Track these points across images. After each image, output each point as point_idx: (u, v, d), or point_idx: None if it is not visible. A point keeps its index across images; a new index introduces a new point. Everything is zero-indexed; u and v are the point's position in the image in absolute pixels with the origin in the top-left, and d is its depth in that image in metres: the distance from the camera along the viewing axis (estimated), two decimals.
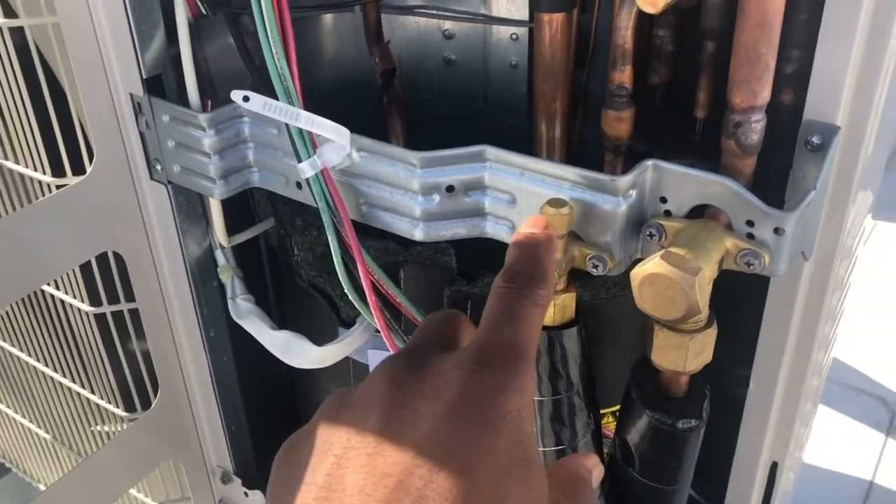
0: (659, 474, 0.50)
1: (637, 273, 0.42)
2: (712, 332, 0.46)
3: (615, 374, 0.56)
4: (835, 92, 0.44)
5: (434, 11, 0.71)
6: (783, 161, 0.48)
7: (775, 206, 0.44)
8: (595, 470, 0.35)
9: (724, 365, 0.52)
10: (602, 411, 0.60)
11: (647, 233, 0.45)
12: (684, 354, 0.46)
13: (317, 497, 0.27)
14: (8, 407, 0.94)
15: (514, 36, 0.73)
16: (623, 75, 0.48)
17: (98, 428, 0.81)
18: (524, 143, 0.59)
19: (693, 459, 0.50)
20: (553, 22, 0.51)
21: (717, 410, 0.52)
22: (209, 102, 0.58)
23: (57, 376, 0.79)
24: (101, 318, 0.69)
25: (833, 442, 1.45)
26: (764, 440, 0.59)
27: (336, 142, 0.50)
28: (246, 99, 0.47)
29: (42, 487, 1.01)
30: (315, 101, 0.51)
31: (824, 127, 0.45)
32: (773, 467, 0.61)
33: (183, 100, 0.57)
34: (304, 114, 0.47)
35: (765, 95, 0.44)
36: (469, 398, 0.29)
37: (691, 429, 0.48)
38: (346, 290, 0.53)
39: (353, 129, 0.50)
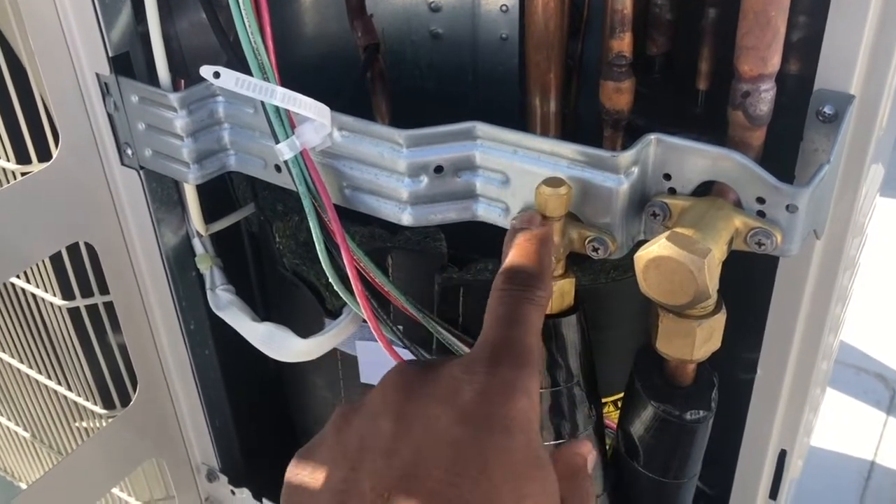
0: (665, 467, 0.47)
1: (641, 256, 0.39)
2: (721, 318, 0.43)
3: (617, 360, 0.53)
4: (849, 58, 0.42)
5: None
6: (792, 133, 0.45)
7: (785, 182, 0.42)
8: (589, 456, 0.35)
9: (731, 349, 0.49)
10: (604, 400, 0.57)
11: (651, 212, 0.42)
12: (692, 342, 0.43)
13: (332, 502, 0.28)
14: None
15: (503, 7, 0.69)
16: (622, 43, 0.44)
17: (77, 425, 0.78)
18: (517, 119, 0.56)
19: (701, 452, 0.47)
20: None
21: (724, 396, 0.49)
22: (182, 82, 0.55)
23: (32, 373, 0.76)
24: (74, 312, 0.66)
25: (833, 421, 1.43)
26: (772, 427, 0.57)
27: (316, 121, 0.46)
28: (217, 75, 0.43)
29: (24, 486, 0.98)
30: (295, 79, 0.48)
31: (837, 96, 0.42)
32: (782, 455, 0.59)
33: (153, 79, 0.53)
34: (281, 90, 0.44)
35: (775, 62, 0.41)
36: (480, 401, 0.30)
37: (699, 420, 0.45)
38: (330, 280, 0.50)
39: (335, 108, 0.47)
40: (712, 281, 0.39)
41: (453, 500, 0.27)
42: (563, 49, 0.50)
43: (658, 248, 0.38)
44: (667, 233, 0.39)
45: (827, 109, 0.43)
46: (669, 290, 0.39)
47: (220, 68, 0.43)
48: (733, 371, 0.57)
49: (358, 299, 0.49)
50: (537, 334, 0.34)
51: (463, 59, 0.72)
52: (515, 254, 0.37)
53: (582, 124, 0.62)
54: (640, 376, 0.46)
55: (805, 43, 0.49)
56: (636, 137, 0.53)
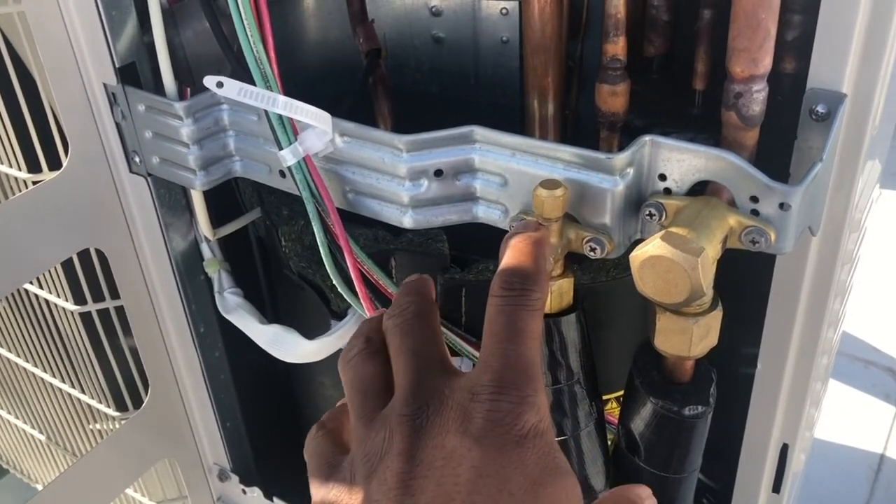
0: (665, 462, 0.48)
1: (636, 256, 0.40)
2: (717, 315, 0.44)
3: (617, 357, 0.54)
4: (840, 57, 0.42)
5: None
6: (786, 132, 0.46)
7: (780, 180, 0.42)
8: (648, 501, 0.36)
9: (731, 344, 0.50)
10: (606, 397, 0.58)
11: (647, 212, 0.43)
12: (689, 339, 0.44)
13: None
14: (1, 409, 0.93)
15: (504, 10, 0.70)
16: (616, 47, 0.45)
17: (91, 427, 0.79)
18: (517, 121, 0.57)
19: (701, 446, 0.48)
20: None
21: (725, 391, 0.50)
22: (188, 90, 0.56)
23: (46, 377, 0.78)
24: (86, 317, 0.67)
25: (842, 415, 1.43)
26: (773, 422, 0.57)
27: (318, 127, 0.47)
28: (220, 85, 0.44)
29: (40, 488, 0.99)
30: (298, 86, 0.49)
31: (829, 95, 0.43)
32: (784, 449, 0.59)
33: (159, 88, 0.55)
34: (282, 98, 0.45)
35: (766, 63, 0.42)
36: (493, 427, 0.31)
37: (698, 415, 0.46)
38: (334, 282, 0.51)
39: (338, 114, 0.48)
40: (706, 279, 0.40)
41: None
42: (560, 53, 0.51)
43: (652, 247, 0.39)
44: (661, 232, 0.40)
45: (820, 108, 0.43)
46: (665, 289, 0.40)
47: (223, 78, 0.44)
48: (734, 366, 0.57)
49: (362, 301, 0.50)
50: (536, 342, 0.34)
51: (464, 63, 0.73)
52: (510, 256, 0.37)
53: (582, 125, 0.63)
54: (640, 373, 0.47)
55: (799, 41, 0.50)
56: (634, 137, 0.54)
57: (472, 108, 0.74)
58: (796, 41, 0.51)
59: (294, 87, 0.49)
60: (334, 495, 0.32)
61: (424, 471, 0.30)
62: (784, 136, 0.46)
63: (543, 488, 0.30)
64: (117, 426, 0.73)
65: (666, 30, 0.59)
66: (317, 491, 0.34)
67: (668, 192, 0.43)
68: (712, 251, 0.40)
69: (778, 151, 0.47)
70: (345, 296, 0.51)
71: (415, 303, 0.38)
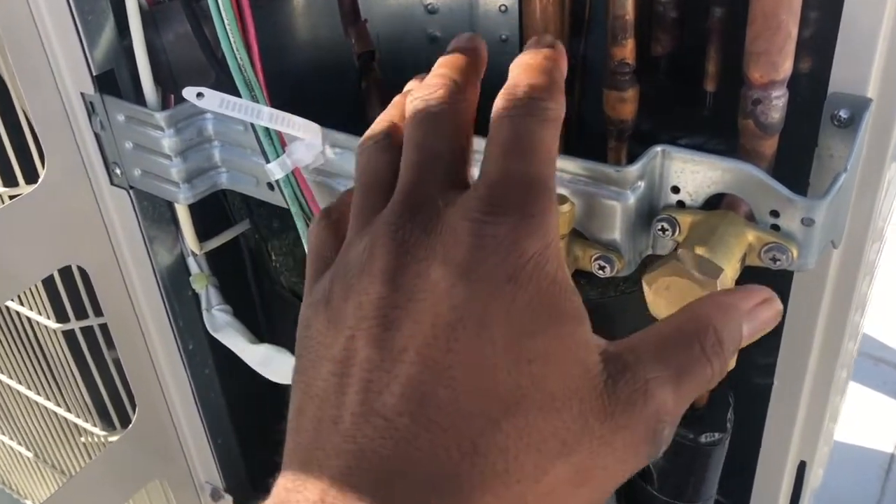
0: (680, 491, 0.46)
1: (650, 278, 0.37)
2: None
3: None
4: (864, 59, 0.39)
5: None
6: (803, 137, 0.43)
7: (798, 188, 0.40)
8: (751, 311, 0.29)
9: (746, 356, 0.47)
10: None
11: (659, 227, 0.40)
12: None
13: (333, 371, 0.25)
14: None
15: (502, 7, 0.67)
16: (625, 50, 0.42)
17: (79, 445, 0.76)
18: None
19: (717, 473, 0.45)
20: None
21: (741, 405, 0.47)
22: (172, 97, 0.53)
23: (32, 395, 0.75)
24: (69, 335, 0.65)
25: (850, 414, 1.40)
26: (791, 438, 0.55)
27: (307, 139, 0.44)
28: (200, 96, 0.42)
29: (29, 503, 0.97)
30: (290, 89, 0.46)
31: (853, 100, 0.40)
32: (802, 466, 0.57)
33: (140, 96, 0.52)
34: (267, 110, 0.42)
35: (786, 68, 0.39)
36: (482, 254, 0.25)
37: (715, 442, 0.43)
38: None
39: (333, 118, 0.45)
40: None
41: (452, 366, 0.24)
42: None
43: (667, 269, 0.36)
44: (676, 252, 0.37)
45: (842, 114, 0.41)
46: None
47: (203, 89, 0.41)
48: (750, 379, 0.55)
49: (306, 266, 0.48)
50: (550, 157, 0.28)
51: None
52: (515, 73, 0.30)
53: (587, 129, 0.60)
54: None
55: (816, 39, 0.47)
56: (641, 142, 0.51)
57: None
58: (813, 39, 0.48)
59: (283, 90, 0.46)
60: (311, 312, 0.28)
61: (404, 301, 0.25)
62: (801, 141, 0.43)
63: (531, 338, 0.25)
64: (105, 445, 0.71)
65: (674, 28, 0.56)
66: (304, 296, 0.30)
67: (681, 205, 0.41)
68: (731, 271, 0.37)
69: (795, 157, 0.44)
70: None
71: (445, 86, 0.31)
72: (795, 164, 0.44)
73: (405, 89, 0.36)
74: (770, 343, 0.51)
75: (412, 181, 0.29)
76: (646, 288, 0.37)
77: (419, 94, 0.31)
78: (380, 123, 0.33)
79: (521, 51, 0.49)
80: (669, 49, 0.57)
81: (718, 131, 0.53)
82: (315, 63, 0.68)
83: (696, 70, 0.54)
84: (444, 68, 0.32)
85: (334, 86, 0.66)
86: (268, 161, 0.45)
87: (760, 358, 0.53)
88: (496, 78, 0.71)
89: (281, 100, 0.47)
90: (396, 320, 0.25)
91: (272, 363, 0.54)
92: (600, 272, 0.41)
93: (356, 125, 0.46)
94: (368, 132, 0.33)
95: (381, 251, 0.26)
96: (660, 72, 0.57)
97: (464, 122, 0.30)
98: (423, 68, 0.72)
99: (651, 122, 0.52)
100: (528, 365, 0.24)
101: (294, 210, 0.46)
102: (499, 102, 0.29)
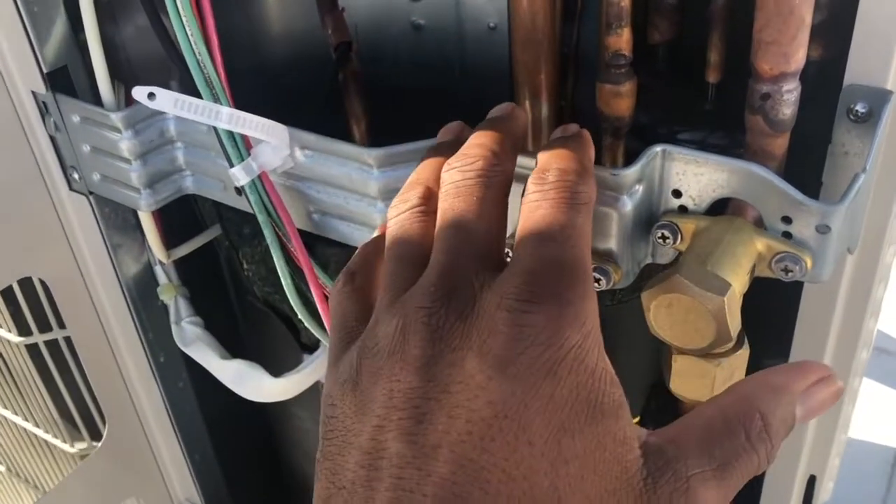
0: None
1: (649, 294, 0.34)
2: (744, 354, 0.37)
3: (628, 393, 0.47)
4: (885, 48, 0.36)
5: None
6: (814, 130, 0.39)
7: (809, 188, 0.36)
8: (805, 392, 0.27)
9: (754, 365, 0.44)
10: None
11: (659, 235, 0.37)
12: (710, 383, 0.37)
13: (361, 463, 0.24)
14: None
15: None
16: (620, 40, 0.38)
17: (51, 459, 0.73)
18: None
19: None
20: None
21: None
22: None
23: None
24: (33, 349, 0.61)
25: (855, 408, 1.36)
26: (801, 452, 0.52)
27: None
28: (152, 97, 0.38)
29: None
30: (265, 81, 0.42)
31: (871, 92, 0.37)
32: (811, 480, 0.53)
33: (97, 95, 0.48)
34: (226, 110, 0.38)
35: (799, 58, 0.35)
36: (520, 346, 0.24)
37: None
38: (300, 315, 0.44)
39: (309, 111, 0.42)
40: (734, 321, 0.33)
41: (487, 468, 0.23)
42: (554, 46, 0.44)
43: (668, 286, 0.33)
44: (678, 264, 0.34)
45: (860, 108, 0.37)
46: (684, 333, 0.34)
47: (155, 88, 0.38)
48: None
49: (329, 335, 0.44)
50: (586, 241, 0.28)
51: (448, 52, 0.66)
52: (547, 156, 0.30)
53: (581, 122, 0.56)
54: (653, 419, 0.41)
55: (827, 24, 0.43)
56: (638, 137, 0.47)
57: (457, 102, 0.67)
58: (823, 24, 0.44)
59: (257, 81, 0.42)
60: (338, 392, 0.27)
61: (437, 393, 0.24)
62: (811, 135, 0.40)
63: (570, 438, 0.23)
64: (76, 461, 0.67)
65: (673, 14, 0.52)
66: (328, 371, 0.28)
67: (683, 210, 0.37)
68: (739, 286, 0.34)
69: (803, 152, 0.40)
70: (312, 330, 0.45)
71: (483, 157, 0.30)
72: (804, 161, 0.40)
73: (437, 141, 0.35)
74: (780, 351, 0.47)
75: (447, 262, 0.27)
76: (645, 305, 0.34)
77: (456, 164, 0.30)
78: (412, 187, 0.31)
79: (510, 40, 0.45)
80: (668, 37, 0.53)
81: (722, 125, 0.49)
82: (291, 54, 0.64)
83: (698, 59, 0.50)
84: (482, 137, 0.31)
85: (311, 77, 0.62)
86: (231, 165, 0.41)
87: (769, 363, 0.50)
88: (484, 68, 0.67)
89: (254, 93, 0.43)
90: (429, 413, 0.24)
91: (245, 380, 0.50)
92: (596, 284, 0.37)
93: (334, 118, 0.42)
94: (401, 195, 0.32)
95: (414, 337, 0.25)
96: (658, 61, 0.54)
97: (500, 197, 0.30)
98: (405, 59, 0.69)
99: (649, 114, 0.48)
100: (566, 466, 0.23)
101: (262, 219, 0.42)
102: (530, 187, 0.29)
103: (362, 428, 0.25)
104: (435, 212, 0.30)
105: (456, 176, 0.30)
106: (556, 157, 0.30)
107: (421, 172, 0.32)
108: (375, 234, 0.35)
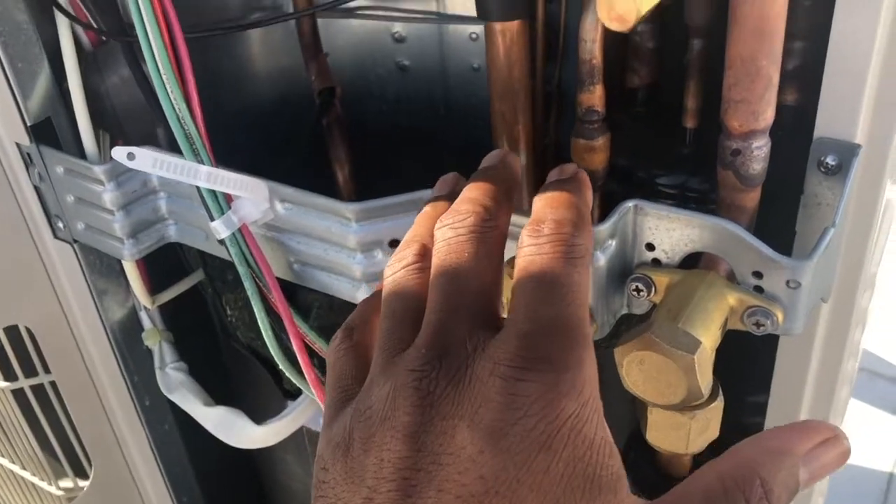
0: None
1: (621, 350, 0.34)
2: (718, 406, 0.38)
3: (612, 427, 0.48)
4: (852, 103, 0.36)
5: (379, 13, 0.62)
6: (788, 175, 0.40)
7: (783, 238, 0.36)
8: (809, 453, 0.25)
9: (733, 411, 0.44)
10: None
11: (634, 287, 0.37)
12: (685, 434, 0.38)
13: None
14: None
15: (473, 35, 0.64)
16: (593, 97, 0.39)
17: (39, 501, 0.73)
18: None
19: None
20: (507, 32, 0.43)
21: (734, 439, 0.44)
22: (119, 143, 0.49)
23: None
24: (19, 394, 0.61)
25: (847, 431, 1.36)
26: None
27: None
28: (131, 157, 0.38)
29: None
30: (249, 125, 0.43)
31: (841, 145, 0.37)
32: None
33: (81, 145, 0.48)
34: (205, 169, 0.39)
35: (768, 116, 0.36)
36: (512, 416, 0.23)
37: None
38: (281, 366, 0.44)
39: (293, 156, 0.42)
40: (704, 378, 0.34)
41: None
42: (530, 96, 0.45)
43: (639, 343, 0.33)
44: (650, 321, 0.34)
45: (830, 160, 0.38)
46: (656, 390, 0.34)
47: (135, 149, 0.38)
48: (740, 416, 0.51)
49: (312, 388, 0.44)
50: (583, 299, 0.26)
51: (433, 92, 0.67)
52: (542, 204, 0.29)
53: (564, 158, 0.57)
54: (631, 469, 0.41)
55: (801, 70, 0.44)
56: (618, 179, 0.48)
57: (442, 142, 0.68)
58: (798, 70, 0.45)
59: (242, 126, 0.42)
60: (329, 455, 0.26)
61: (426, 464, 0.23)
62: (786, 183, 0.40)
63: None
64: (64, 503, 0.67)
65: (651, 58, 0.52)
66: (322, 430, 0.28)
67: (657, 263, 0.37)
68: (710, 342, 0.34)
69: (778, 201, 0.41)
70: (293, 379, 0.45)
71: (475, 213, 0.29)
72: (780, 209, 0.41)
73: (432, 195, 0.35)
74: (757, 399, 0.48)
75: (439, 321, 0.27)
76: (618, 361, 0.34)
77: (448, 220, 0.29)
78: (408, 245, 0.31)
79: (489, 91, 0.46)
80: (647, 81, 0.53)
81: (701, 170, 0.50)
82: (276, 98, 0.65)
83: (676, 104, 0.51)
84: (474, 191, 0.31)
85: (295, 122, 0.63)
86: (212, 219, 0.42)
87: (749, 419, 0.50)
88: (468, 108, 0.68)
89: (239, 133, 0.43)
90: (418, 486, 0.23)
91: (229, 427, 0.50)
92: None
93: (319, 160, 0.42)
94: (397, 253, 0.31)
95: (403, 403, 0.25)
96: (637, 104, 0.54)
97: (494, 252, 0.29)
98: (391, 99, 0.69)
99: (627, 158, 0.49)
100: None
101: (242, 270, 0.43)
102: (524, 240, 0.28)
103: (352, 497, 0.24)
104: (430, 268, 0.29)
105: (448, 233, 0.29)
106: (552, 205, 0.29)
107: (416, 229, 0.32)
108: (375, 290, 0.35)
